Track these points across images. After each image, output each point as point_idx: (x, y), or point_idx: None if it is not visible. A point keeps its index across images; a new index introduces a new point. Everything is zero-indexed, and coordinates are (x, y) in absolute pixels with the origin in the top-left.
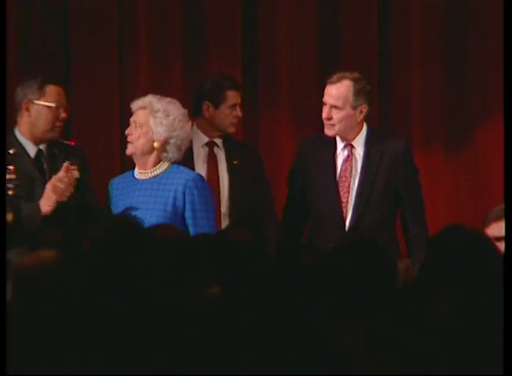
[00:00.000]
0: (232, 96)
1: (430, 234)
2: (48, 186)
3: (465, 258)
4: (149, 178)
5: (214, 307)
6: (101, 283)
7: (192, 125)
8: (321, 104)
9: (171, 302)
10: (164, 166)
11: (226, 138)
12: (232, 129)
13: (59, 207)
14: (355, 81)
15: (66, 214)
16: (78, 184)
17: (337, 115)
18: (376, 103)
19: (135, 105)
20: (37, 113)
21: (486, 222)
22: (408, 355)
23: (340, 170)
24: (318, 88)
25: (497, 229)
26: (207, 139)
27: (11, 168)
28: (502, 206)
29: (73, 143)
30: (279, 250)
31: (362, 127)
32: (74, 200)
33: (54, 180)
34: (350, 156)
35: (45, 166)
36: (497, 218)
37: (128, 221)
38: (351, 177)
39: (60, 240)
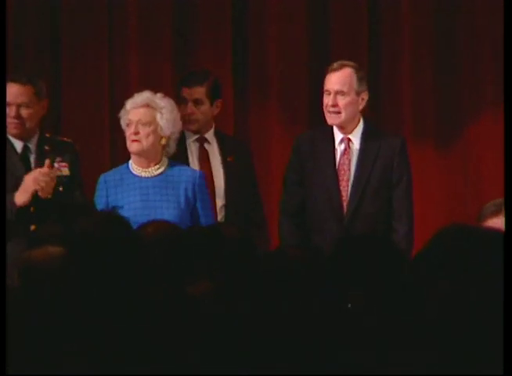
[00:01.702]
0: None
1: (420, 230)
2: (27, 179)
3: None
4: (155, 176)
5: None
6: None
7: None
8: (311, 99)
9: (162, 299)
10: (165, 162)
11: (217, 133)
12: None
13: (45, 203)
14: (356, 68)
15: (52, 211)
16: (68, 181)
17: (342, 101)
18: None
19: (132, 103)
20: None
21: (482, 218)
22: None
23: (339, 163)
24: (308, 83)
25: (493, 224)
26: (197, 135)
27: None
28: (496, 201)
29: (66, 139)
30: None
31: (360, 120)
32: (62, 197)
33: (36, 174)
34: (347, 149)
35: (32, 162)
36: (492, 214)
37: (115, 217)
38: (349, 170)
39: (58, 236)
